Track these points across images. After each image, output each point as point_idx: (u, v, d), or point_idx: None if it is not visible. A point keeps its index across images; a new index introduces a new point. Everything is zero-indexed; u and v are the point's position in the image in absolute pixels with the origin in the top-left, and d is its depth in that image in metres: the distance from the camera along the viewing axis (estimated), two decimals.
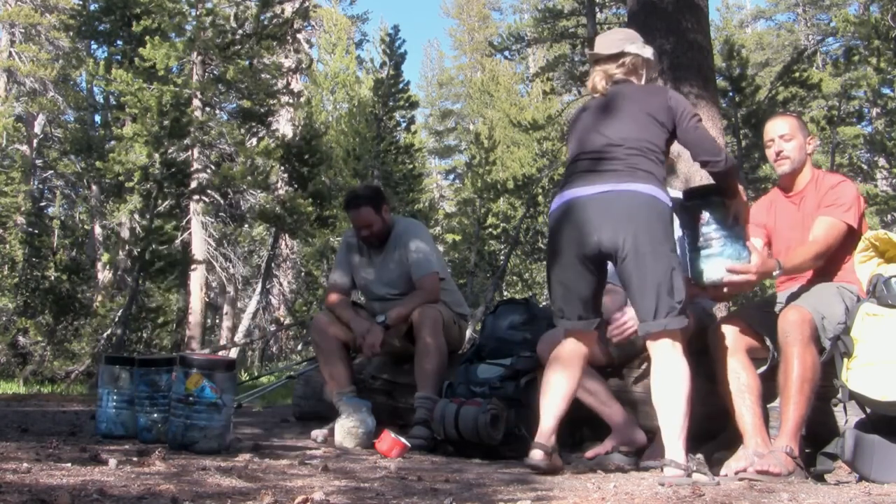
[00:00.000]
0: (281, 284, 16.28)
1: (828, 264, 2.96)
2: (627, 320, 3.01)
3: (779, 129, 3.09)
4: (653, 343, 2.57)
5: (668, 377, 2.54)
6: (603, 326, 2.89)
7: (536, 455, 2.63)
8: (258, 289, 14.10)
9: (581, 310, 2.68)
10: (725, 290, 2.77)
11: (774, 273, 2.77)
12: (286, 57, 15.50)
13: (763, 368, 2.89)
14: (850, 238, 2.91)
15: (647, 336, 2.58)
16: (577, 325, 2.70)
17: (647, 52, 2.88)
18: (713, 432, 3.10)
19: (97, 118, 14.77)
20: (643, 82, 2.88)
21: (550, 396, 2.70)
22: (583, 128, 2.77)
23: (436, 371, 3.54)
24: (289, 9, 14.02)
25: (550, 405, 2.70)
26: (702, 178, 5.37)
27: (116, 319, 10.92)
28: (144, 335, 12.60)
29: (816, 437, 2.75)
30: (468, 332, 6.56)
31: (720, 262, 2.65)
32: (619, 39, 2.87)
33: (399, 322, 3.70)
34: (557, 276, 2.71)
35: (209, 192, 12.06)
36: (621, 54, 2.82)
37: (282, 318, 16.12)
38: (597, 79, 2.81)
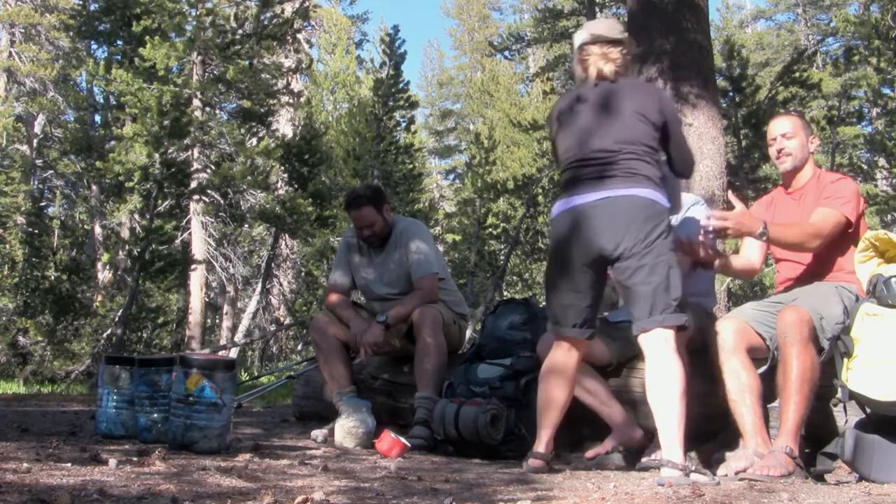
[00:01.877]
0: (281, 284, 16.27)
1: (824, 262, 2.98)
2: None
3: (781, 127, 3.13)
4: (645, 338, 2.59)
5: (663, 375, 2.54)
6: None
7: (535, 463, 2.73)
8: (258, 289, 14.09)
9: (577, 318, 2.71)
10: (703, 246, 2.89)
11: (757, 232, 2.79)
12: (286, 57, 15.49)
13: (763, 368, 2.90)
14: (848, 236, 2.92)
15: (640, 332, 2.59)
16: (571, 333, 2.73)
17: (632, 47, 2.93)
18: (713, 432, 3.11)
19: (97, 118, 14.76)
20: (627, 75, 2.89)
21: (548, 408, 2.79)
22: (581, 127, 2.75)
23: (436, 371, 3.54)
24: (289, 9, 14.01)
25: (548, 416, 2.79)
26: (701, 178, 5.38)
27: (116, 319, 10.91)
28: (144, 335, 12.60)
29: (816, 437, 2.75)
30: (468, 332, 6.55)
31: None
32: (619, 28, 2.85)
33: (398, 322, 3.70)
34: (557, 284, 2.75)
35: (209, 192, 12.05)
36: (624, 42, 2.81)
37: (282, 318, 16.11)
38: (600, 63, 2.77)
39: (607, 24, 2.89)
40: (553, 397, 2.77)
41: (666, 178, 2.72)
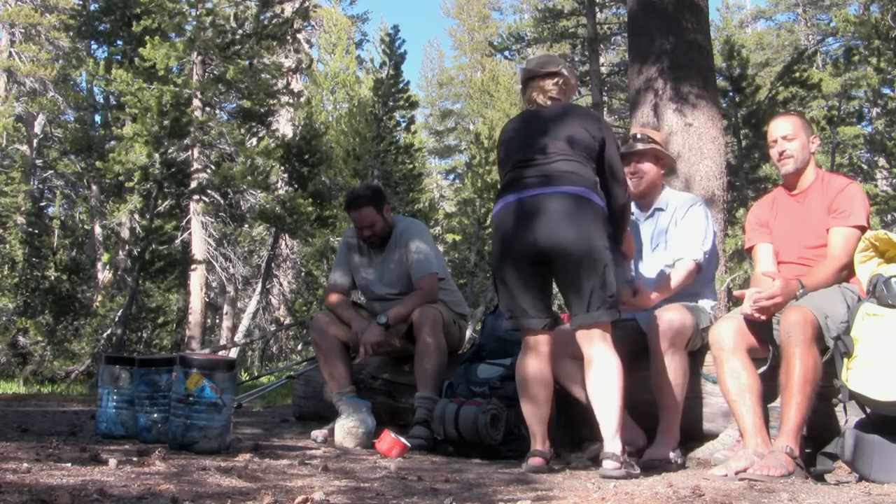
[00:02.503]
0: (281, 284, 16.26)
1: None
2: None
3: (781, 129, 3.11)
4: (584, 335, 2.73)
5: (604, 373, 2.68)
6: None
7: (537, 462, 2.77)
8: (258, 289, 14.09)
9: (529, 308, 2.81)
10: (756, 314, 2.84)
11: (798, 293, 2.82)
12: (286, 57, 15.48)
13: (763, 368, 2.89)
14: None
15: (579, 328, 2.72)
16: (530, 323, 2.82)
17: (573, 77, 3.12)
18: (713, 432, 3.11)
19: (97, 118, 14.76)
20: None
21: (535, 409, 2.87)
22: (523, 137, 2.93)
23: (436, 371, 3.54)
24: (289, 9, 14.01)
25: (537, 415, 2.87)
26: (701, 178, 5.37)
27: (116, 319, 10.91)
28: (144, 335, 12.60)
29: (818, 437, 2.75)
30: (468, 332, 6.55)
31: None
32: (555, 62, 3.06)
33: (398, 322, 3.70)
34: (502, 276, 2.86)
35: (209, 192, 12.05)
36: (558, 73, 3.01)
37: (282, 318, 16.11)
38: (534, 94, 3.00)
39: (543, 60, 3.09)
40: (537, 399, 2.86)
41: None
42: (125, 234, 12.97)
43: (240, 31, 12.06)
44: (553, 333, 2.88)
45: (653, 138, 3.42)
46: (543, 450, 2.82)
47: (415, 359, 3.60)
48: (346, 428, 3.41)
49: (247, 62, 12.27)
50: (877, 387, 2.51)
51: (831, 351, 2.68)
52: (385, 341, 3.71)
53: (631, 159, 3.35)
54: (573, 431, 3.37)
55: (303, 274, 17.80)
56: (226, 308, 16.69)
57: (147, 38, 10.97)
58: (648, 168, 3.35)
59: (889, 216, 15.21)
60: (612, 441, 2.62)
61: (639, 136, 3.41)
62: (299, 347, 15.14)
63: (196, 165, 11.93)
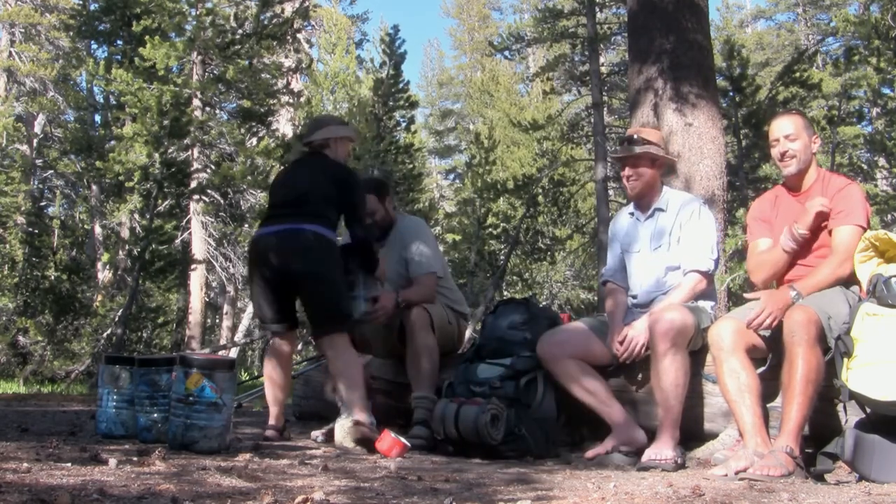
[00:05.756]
0: None
1: None
2: (634, 338, 3.14)
3: (784, 128, 3.08)
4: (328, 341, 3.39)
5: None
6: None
7: (271, 433, 3.47)
8: None
9: (278, 316, 3.47)
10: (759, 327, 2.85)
11: (792, 298, 2.82)
12: (286, 57, 15.49)
13: (763, 369, 2.89)
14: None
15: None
16: (278, 329, 3.50)
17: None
18: (713, 432, 3.11)
19: (97, 118, 14.77)
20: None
21: (274, 388, 3.62)
22: (284, 181, 3.65)
23: (430, 370, 3.55)
24: (289, 9, 14.02)
25: (275, 395, 3.61)
26: (701, 178, 5.37)
27: (116, 319, 10.92)
28: (144, 335, 12.61)
29: (820, 436, 2.75)
30: (468, 332, 6.55)
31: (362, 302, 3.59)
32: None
33: (406, 302, 3.67)
34: (261, 291, 3.46)
35: (209, 191, 12.06)
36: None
37: None
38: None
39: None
40: (276, 377, 3.59)
41: None
42: (125, 234, 12.98)
43: (240, 31, 12.07)
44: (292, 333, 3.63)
45: (648, 139, 3.38)
46: (277, 424, 3.52)
47: (407, 360, 3.61)
48: (346, 428, 3.41)
49: (247, 62, 12.29)
50: (877, 387, 2.51)
51: (832, 351, 2.68)
52: (388, 338, 3.72)
53: (626, 162, 3.34)
54: (573, 431, 3.37)
55: None
56: (226, 308, 16.70)
57: (147, 37, 10.99)
58: (644, 171, 3.33)
59: (889, 216, 15.22)
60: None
61: (634, 137, 3.39)
62: (299, 347, 15.14)
63: (196, 165, 11.94)
